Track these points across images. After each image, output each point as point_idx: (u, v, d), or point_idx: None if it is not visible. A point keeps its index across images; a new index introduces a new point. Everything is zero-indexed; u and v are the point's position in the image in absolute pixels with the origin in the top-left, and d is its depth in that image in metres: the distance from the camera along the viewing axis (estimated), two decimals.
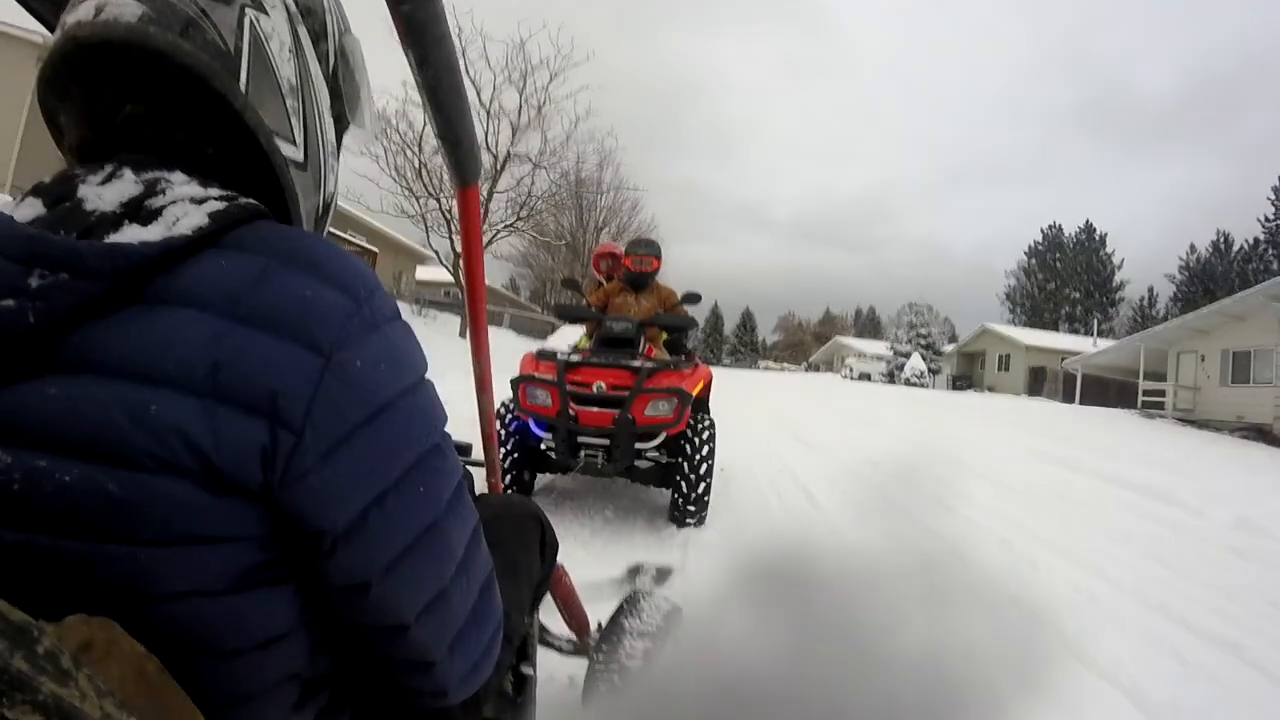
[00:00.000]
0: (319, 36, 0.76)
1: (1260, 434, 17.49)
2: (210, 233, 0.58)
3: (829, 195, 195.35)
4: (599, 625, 1.96)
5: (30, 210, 0.57)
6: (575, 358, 4.36)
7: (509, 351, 7.80)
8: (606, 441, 4.06)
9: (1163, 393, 22.00)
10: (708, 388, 4.90)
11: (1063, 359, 32.82)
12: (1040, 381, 31.54)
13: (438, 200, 17.52)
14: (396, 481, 0.60)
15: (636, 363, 4.24)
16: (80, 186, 0.58)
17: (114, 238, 0.54)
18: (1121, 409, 23.23)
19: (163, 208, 0.58)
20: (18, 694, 0.34)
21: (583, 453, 4.14)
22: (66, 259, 0.51)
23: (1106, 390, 26.33)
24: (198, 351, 0.52)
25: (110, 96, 0.64)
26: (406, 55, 0.77)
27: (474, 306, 1.35)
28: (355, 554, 0.58)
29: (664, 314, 4.99)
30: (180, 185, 0.60)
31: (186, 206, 0.58)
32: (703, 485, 4.12)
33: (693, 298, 5.19)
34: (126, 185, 0.59)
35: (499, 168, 19.27)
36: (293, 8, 0.72)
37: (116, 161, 0.61)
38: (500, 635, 0.79)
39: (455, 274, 18.08)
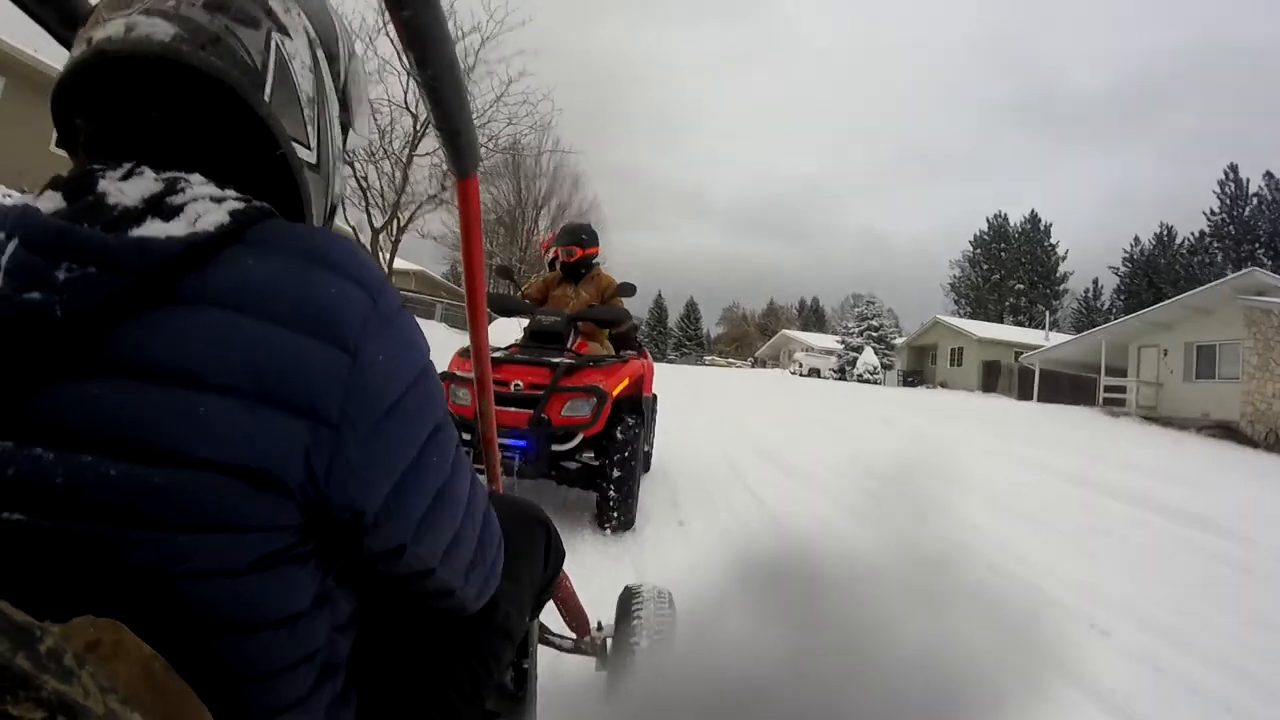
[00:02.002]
0: (334, 59, 0.83)
1: (1229, 431, 17.41)
2: (231, 230, 0.61)
3: (770, 185, 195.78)
4: (598, 624, 2.07)
5: (51, 204, 0.59)
6: (498, 354, 4.30)
7: (438, 348, 6.84)
8: (523, 444, 3.98)
9: (1123, 389, 21.93)
10: (637, 385, 4.73)
11: (1016, 353, 32.92)
12: (994, 377, 31.54)
13: (350, 166, 16.14)
14: (416, 458, 0.68)
15: (556, 360, 4.23)
16: (100, 181, 0.60)
17: (137, 232, 0.57)
18: (1079, 406, 23.14)
19: (184, 204, 0.61)
20: (20, 691, 0.35)
21: (500, 454, 3.65)
22: (95, 252, 0.54)
23: (1060, 386, 26.41)
24: (240, 355, 0.56)
25: (134, 102, 0.67)
26: (406, 56, 0.76)
27: (473, 304, 1.32)
28: (393, 524, 0.67)
29: (596, 308, 4.89)
30: (199, 185, 0.63)
31: (207, 204, 0.61)
32: (625, 487, 4.12)
33: (626, 289, 5.12)
34: (147, 182, 0.61)
35: (418, 130, 18.08)
36: (312, 33, 0.78)
37: (135, 159, 0.64)
38: (502, 552, 0.90)
39: (375, 254, 16.75)
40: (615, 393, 4.25)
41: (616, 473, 4.10)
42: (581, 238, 5.22)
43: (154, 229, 0.58)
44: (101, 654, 0.45)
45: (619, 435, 4.16)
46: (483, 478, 1.62)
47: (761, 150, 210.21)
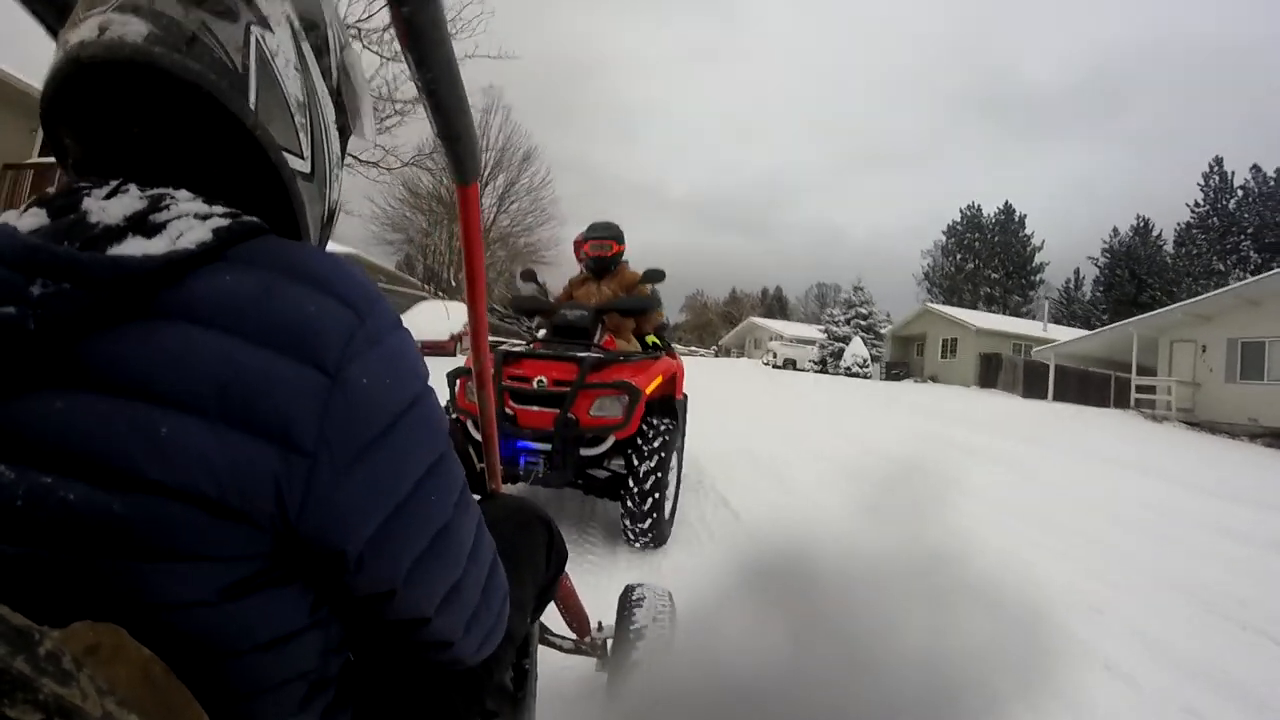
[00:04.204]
0: (322, 51, 0.78)
1: None
2: (213, 248, 0.60)
3: (731, 177, 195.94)
4: (599, 624, 2.11)
5: (34, 220, 0.59)
6: (519, 349, 4.21)
7: None
8: (548, 447, 3.68)
9: (1153, 388, 20.26)
10: (671, 384, 4.51)
11: (1015, 346, 31.37)
12: (994, 370, 29.52)
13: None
14: (410, 493, 0.64)
15: (582, 354, 4.01)
16: (85, 199, 0.60)
17: (117, 249, 0.57)
18: (1095, 405, 21.65)
19: (167, 222, 0.60)
20: (19, 693, 0.36)
21: (523, 459, 3.71)
22: (69, 268, 0.54)
23: (1068, 382, 24.76)
24: (206, 371, 0.54)
25: (115, 116, 0.66)
26: (405, 57, 0.77)
27: (474, 304, 1.37)
28: (380, 567, 0.63)
29: (622, 297, 4.85)
30: (185, 202, 0.62)
31: (191, 222, 0.60)
32: (656, 500, 3.72)
33: (655, 275, 4.98)
34: (131, 200, 0.61)
35: None
36: (296, 24, 0.74)
37: (122, 177, 0.63)
38: (508, 604, 0.88)
39: None
40: (649, 391, 3.98)
41: (647, 482, 3.74)
42: (614, 233, 5.12)
43: (133, 247, 0.57)
44: (101, 657, 0.45)
45: (651, 439, 3.84)
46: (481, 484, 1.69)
47: (723, 144, 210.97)
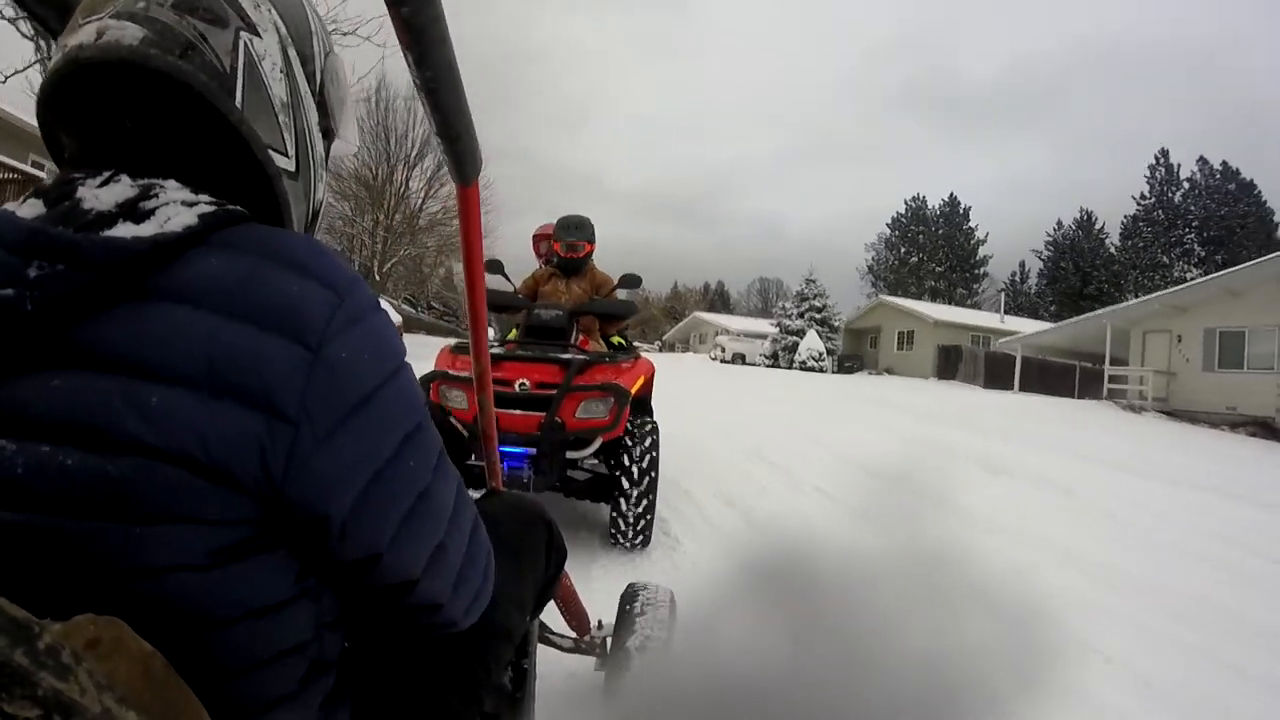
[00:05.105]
0: (307, 58, 0.82)
1: (1266, 429, 15.54)
2: (199, 231, 0.63)
3: (671, 172, 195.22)
4: (598, 623, 2.09)
5: (31, 209, 0.63)
6: (496, 350, 3.95)
7: None
8: (532, 451, 3.56)
9: (1125, 378, 19.99)
10: (649, 383, 4.55)
11: (974, 337, 31.08)
12: (954, 362, 29.24)
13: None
14: (389, 460, 0.66)
15: (565, 355, 3.93)
16: (79, 188, 0.64)
17: (109, 233, 0.60)
18: (1061, 396, 21.34)
19: (156, 208, 0.63)
20: (17, 688, 0.36)
21: (506, 464, 3.49)
22: (64, 250, 0.57)
23: (1030, 373, 24.59)
24: (195, 347, 0.57)
25: (109, 114, 0.70)
26: (405, 56, 0.77)
27: (473, 304, 1.38)
28: (364, 530, 0.66)
29: (599, 300, 4.72)
30: (173, 190, 0.66)
31: (178, 208, 0.64)
32: (645, 500, 3.74)
33: (631, 281, 4.77)
34: (123, 188, 0.64)
35: None
36: (283, 31, 0.78)
37: (115, 168, 0.66)
38: (492, 564, 0.89)
39: None
40: (634, 391, 3.93)
41: (638, 483, 3.71)
42: (588, 232, 4.91)
43: (124, 230, 0.60)
44: (101, 652, 0.46)
45: (641, 439, 3.81)
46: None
47: (667, 138, 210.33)
